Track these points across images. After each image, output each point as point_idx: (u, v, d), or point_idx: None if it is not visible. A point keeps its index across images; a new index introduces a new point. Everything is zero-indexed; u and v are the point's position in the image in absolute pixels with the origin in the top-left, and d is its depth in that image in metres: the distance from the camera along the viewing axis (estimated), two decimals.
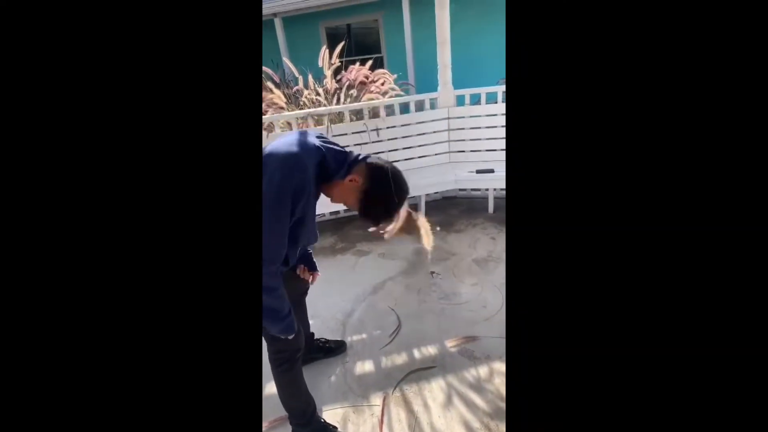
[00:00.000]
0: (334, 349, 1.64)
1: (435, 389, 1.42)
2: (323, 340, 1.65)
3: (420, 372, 1.49)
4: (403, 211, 1.08)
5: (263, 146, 0.94)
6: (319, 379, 1.52)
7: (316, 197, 1.05)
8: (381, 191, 1.02)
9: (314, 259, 1.34)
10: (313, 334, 1.60)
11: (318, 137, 1.06)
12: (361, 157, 1.06)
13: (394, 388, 1.44)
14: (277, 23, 6.18)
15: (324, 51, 2.80)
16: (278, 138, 1.04)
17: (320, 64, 2.79)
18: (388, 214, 1.06)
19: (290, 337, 1.07)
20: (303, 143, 1.00)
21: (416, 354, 1.59)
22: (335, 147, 1.06)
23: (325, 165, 1.02)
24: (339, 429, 1.30)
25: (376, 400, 1.40)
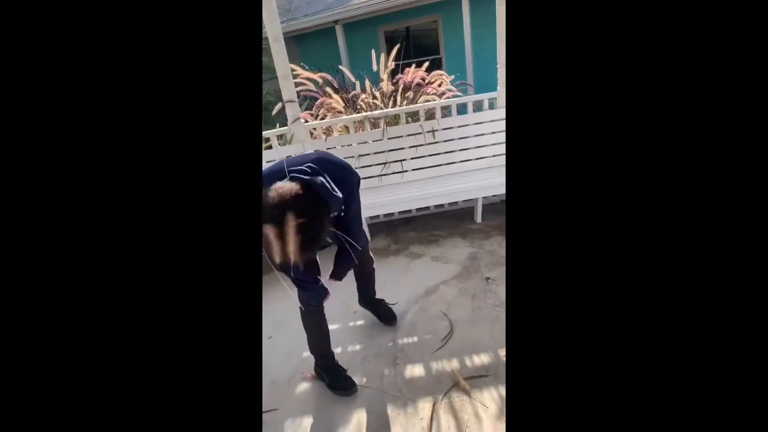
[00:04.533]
0: (383, 317, 1.83)
1: (487, 399, 1.36)
2: (382, 302, 1.87)
3: (472, 380, 1.45)
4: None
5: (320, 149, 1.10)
6: (370, 378, 1.53)
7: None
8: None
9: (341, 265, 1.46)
10: (375, 296, 1.87)
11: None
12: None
13: (444, 395, 1.41)
14: (338, 30, 6.39)
15: (381, 55, 2.84)
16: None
17: (374, 68, 2.83)
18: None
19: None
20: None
21: (468, 361, 1.55)
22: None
23: None
24: (385, 430, 1.30)
25: (425, 405, 1.38)
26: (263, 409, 1.46)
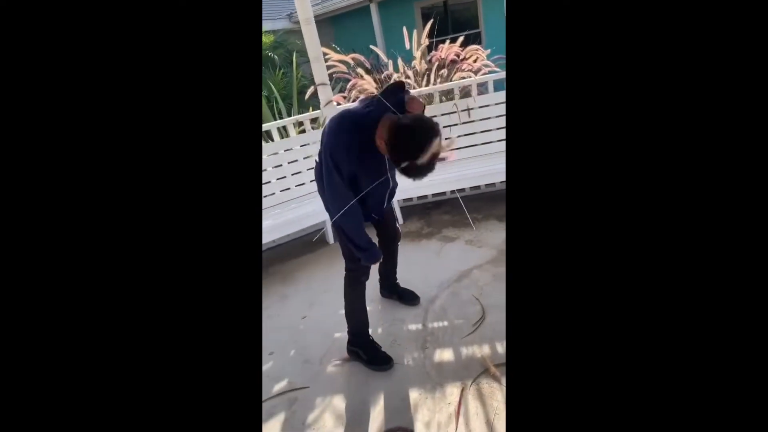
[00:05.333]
0: (406, 298, 1.86)
1: None
2: (401, 287, 1.90)
3: (502, 367, 1.41)
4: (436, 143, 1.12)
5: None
6: (397, 364, 1.54)
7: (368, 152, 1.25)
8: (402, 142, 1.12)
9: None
10: (397, 282, 1.91)
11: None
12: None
13: (473, 381, 1.38)
14: (373, 9, 6.25)
15: (414, 32, 2.74)
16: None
17: (407, 45, 2.74)
18: (415, 153, 1.11)
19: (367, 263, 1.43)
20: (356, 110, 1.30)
21: (499, 348, 1.50)
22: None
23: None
24: (413, 414, 1.30)
25: (454, 390, 1.37)
26: (296, 387, 1.52)
